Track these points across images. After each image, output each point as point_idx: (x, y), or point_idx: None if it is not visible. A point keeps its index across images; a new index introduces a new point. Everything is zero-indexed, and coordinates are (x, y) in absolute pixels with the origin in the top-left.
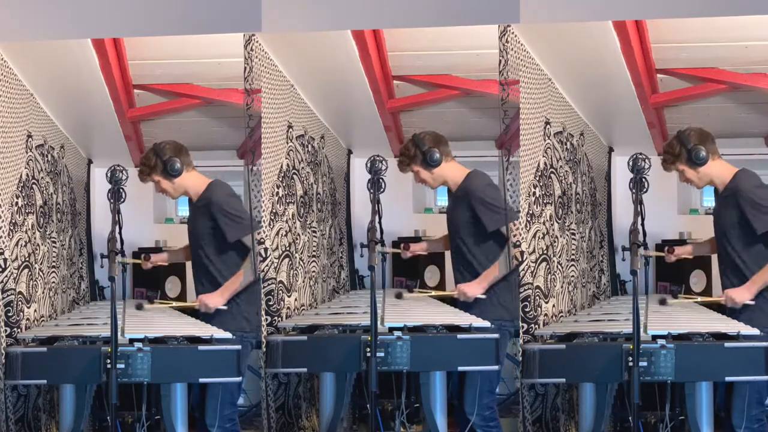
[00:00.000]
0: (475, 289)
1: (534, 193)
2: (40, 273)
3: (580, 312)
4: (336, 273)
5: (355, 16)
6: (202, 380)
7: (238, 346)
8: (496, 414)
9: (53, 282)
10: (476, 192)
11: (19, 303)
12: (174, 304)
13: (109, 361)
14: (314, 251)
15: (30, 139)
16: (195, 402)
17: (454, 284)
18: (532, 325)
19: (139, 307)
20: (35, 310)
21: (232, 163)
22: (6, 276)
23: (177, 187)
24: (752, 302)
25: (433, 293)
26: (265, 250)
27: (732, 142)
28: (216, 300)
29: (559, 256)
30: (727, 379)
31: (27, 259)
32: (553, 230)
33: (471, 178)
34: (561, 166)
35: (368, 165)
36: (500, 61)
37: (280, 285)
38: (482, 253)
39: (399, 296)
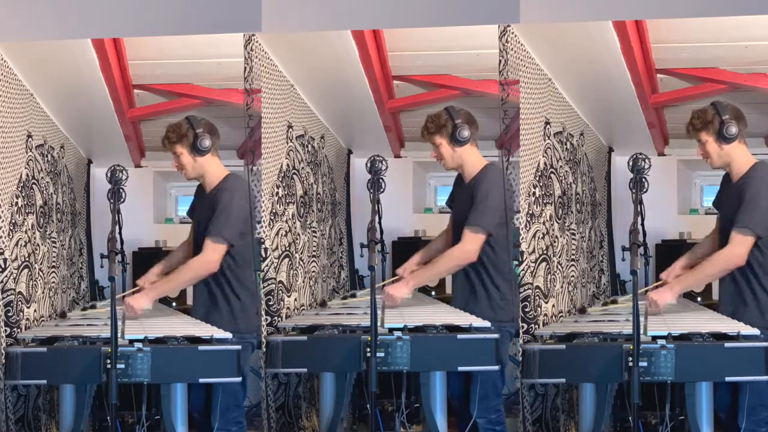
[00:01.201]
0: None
1: (534, 193)
2: (40, 273)
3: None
4: (336, 273)
5: (355, 16)
6: (202, 380)
7: (239, 347)
8: (502, 417)
9: (53, 282)
10: (479, 185)
11: (19, 303)
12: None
13: (109, 361)
14: (314, 251)
15: (30, 139)
16: (197, 410)
17: (452, 283)
18: (532, 325)
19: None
20: (35, 310)
21: (232, 163)
22: (6, 276)
23: (197, 167)
24: (673, 303)
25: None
26: (265, 250)
27: None
28: (142, 301)
29: (559, 256)
30: (727, 379)
31: (27, 259)
32: (553, 230)
33: (486, 170)
34: (561, 166)
35: (368, 165)
36: (500, 61)
37: (280, 285)
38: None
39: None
